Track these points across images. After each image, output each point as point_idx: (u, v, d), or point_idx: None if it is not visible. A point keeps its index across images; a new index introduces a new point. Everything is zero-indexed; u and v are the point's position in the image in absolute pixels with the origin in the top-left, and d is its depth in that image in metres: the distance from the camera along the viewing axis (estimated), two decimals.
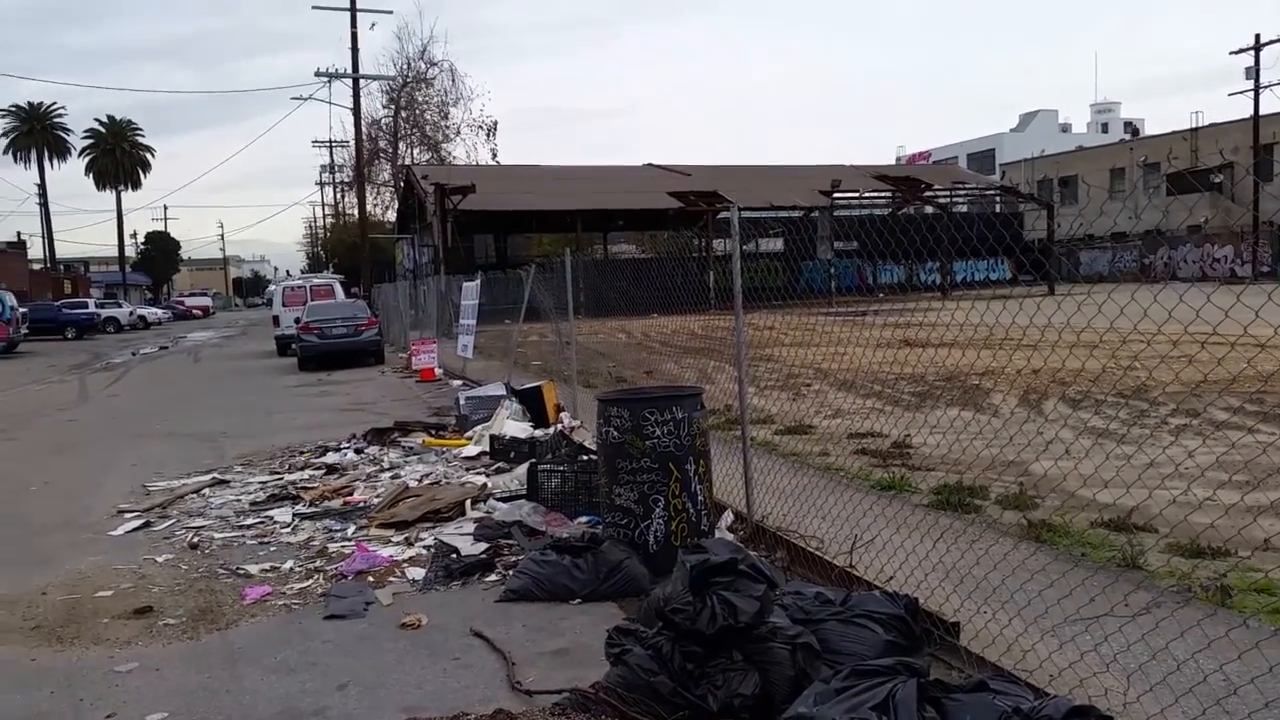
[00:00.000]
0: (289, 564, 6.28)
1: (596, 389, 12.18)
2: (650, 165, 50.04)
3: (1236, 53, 45.32)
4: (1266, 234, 44.41)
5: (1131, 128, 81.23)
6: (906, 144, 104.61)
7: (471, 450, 9.47)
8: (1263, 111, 44.66)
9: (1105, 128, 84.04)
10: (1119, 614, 4.11)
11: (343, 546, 6.58)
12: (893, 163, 71.33)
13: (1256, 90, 44.36)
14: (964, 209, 51.76)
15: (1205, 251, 47.57)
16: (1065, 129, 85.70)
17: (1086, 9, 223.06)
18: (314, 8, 37.30)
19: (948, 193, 50.07)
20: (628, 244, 64.36)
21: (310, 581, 5.90)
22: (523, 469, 7.67)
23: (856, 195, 46.63)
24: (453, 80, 55.23)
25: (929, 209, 48.48)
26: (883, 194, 47.57)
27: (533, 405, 10.41)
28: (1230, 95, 59.63)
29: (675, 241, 50.62)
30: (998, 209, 53.58)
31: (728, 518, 6.37)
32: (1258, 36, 43.98)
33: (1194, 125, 53.88)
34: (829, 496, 6.01)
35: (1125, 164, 57.93)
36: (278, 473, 9.34)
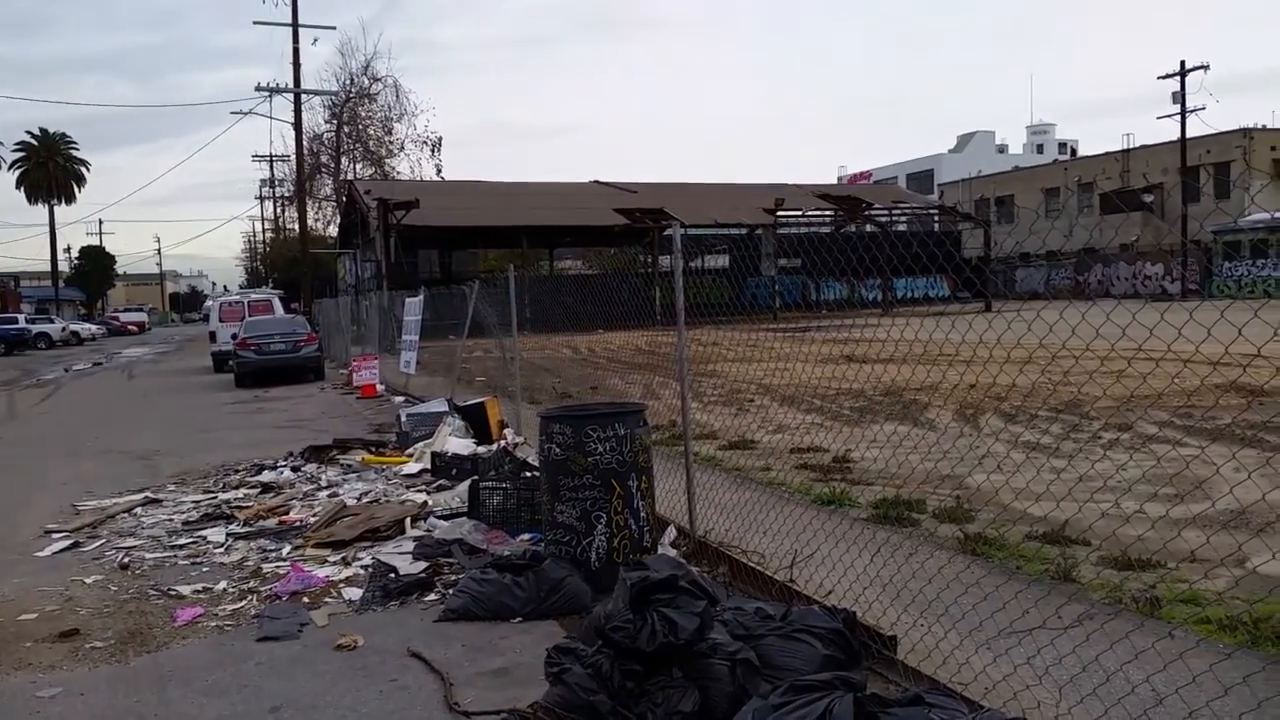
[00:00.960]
0: (222, 585, 6.13)
1: (541, 405, 12.13)
2: (597, 182, 50.15)
3: (1164, 78, 46.90)
4: (1194, 252, 45.89)
5: (1067, 149, 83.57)
6: (848, 164, 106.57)
7: (412, 468, 9.36)
8: (1189, 135, 46.20)
9: (1041, 149, 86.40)
10: (1052, 626, 4.19)
11: (277, 567, 6.45)
12: (835, 182, 72.42)
13: (1183, 114, 45.88)
14: (904, 228, 52.71)
15: (1136, 269, 49.03)
16: (1002, 150, 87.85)
17: (1023, 33, 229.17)
18: (255, 23, 37.28)
19: (888, 212, 50.97)
20: (574, 260, 64.34)
21: (243, 603, 5.76)
22: (464, 486, 7.60)
23: (800, 213, 47.28)
24: (397, 96, 54.95)
25: (870, 227, 49.26)
26: (825, 212, 48.26)
27: (476, 422, 10.32)
28: (1159, 119, 61.65)
29: (621, 258, 50.79)
30: (936, 228, 54.66)
31: (670, 534, 6.37)
32: (1183, 63, 45.55)
33: (1126, 147, 55.64)
34: (771, 512, 6.05)
35: (1060, 184, 59.53)
36: (212, 491, 9.14)
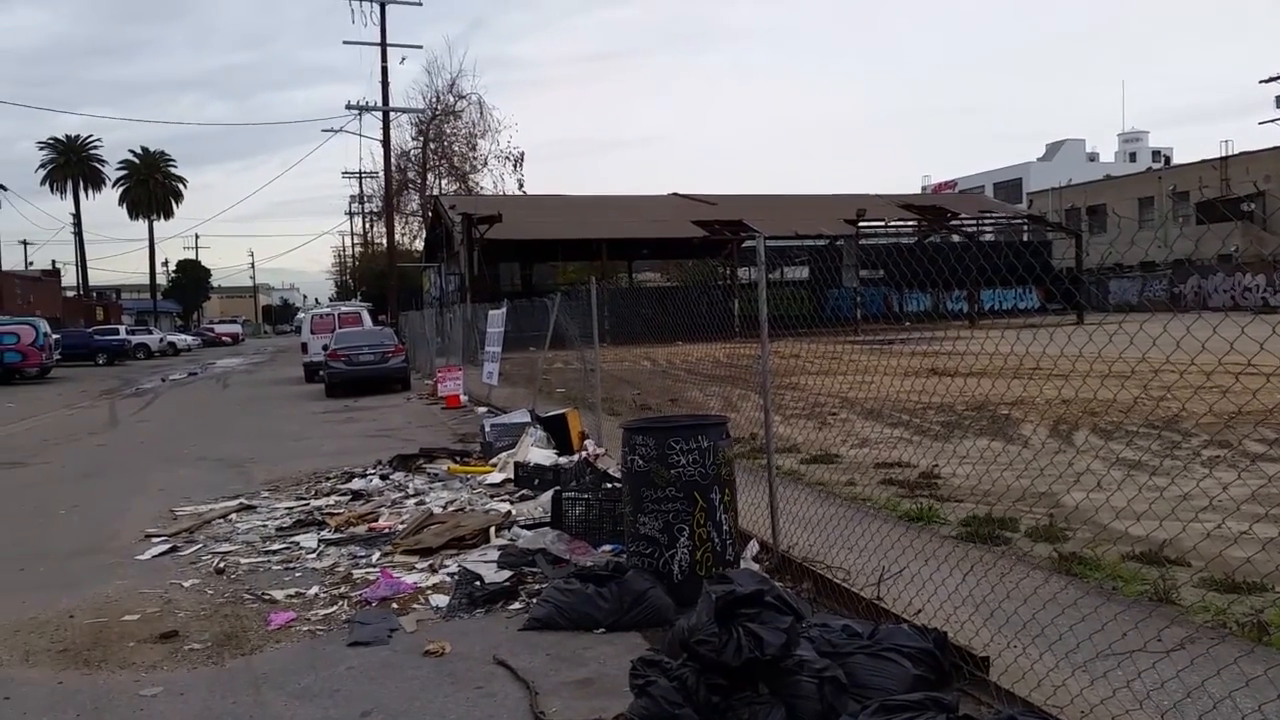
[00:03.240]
0: (314, 590, 6.29)
1: (621, 416, 12.17)
2: (675, 194, 50.29)
3: (1266, 81, 45.26)
4: None
5: (1160, 157, 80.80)
6: (932, 173, 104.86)
7: (496, 477, 9.48)
8: None
9: (1133, 157, 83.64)
10: (1152, 650, 4.03)
11: (367, 573, 6.59)
12: (919, 191, 71.28)
13: None
14: (991, 237, 51.51)
15: (1236, 281, 47.06)
16: (1093, 158, 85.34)
17: (1114, 38, 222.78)
18: (345, 43, 38.18)
19: (974, 221, 49.90)
20: (653, 272, 64.53)
21: (335, 608, 5.90)
22: (547, 496, 7.66)
23: (882, 224, 46.61)
24: (481, 113, 55.85)
25: (955, 237, 48.31)
26: (909, 222, 47.51)
27: (557, 433, 10.41)
28: (1261, 124, 59.48)
29: (700, 270, 50.76)
30: (1025, 237, 53.30)
31: (753, 548, 6.32)
32: None
33: (1224, 154, 53.51)
34: (855, 527, 5.95)
35: (1154, 193, 57.56)
36: (304, 498, 9.39)
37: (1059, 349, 4.10)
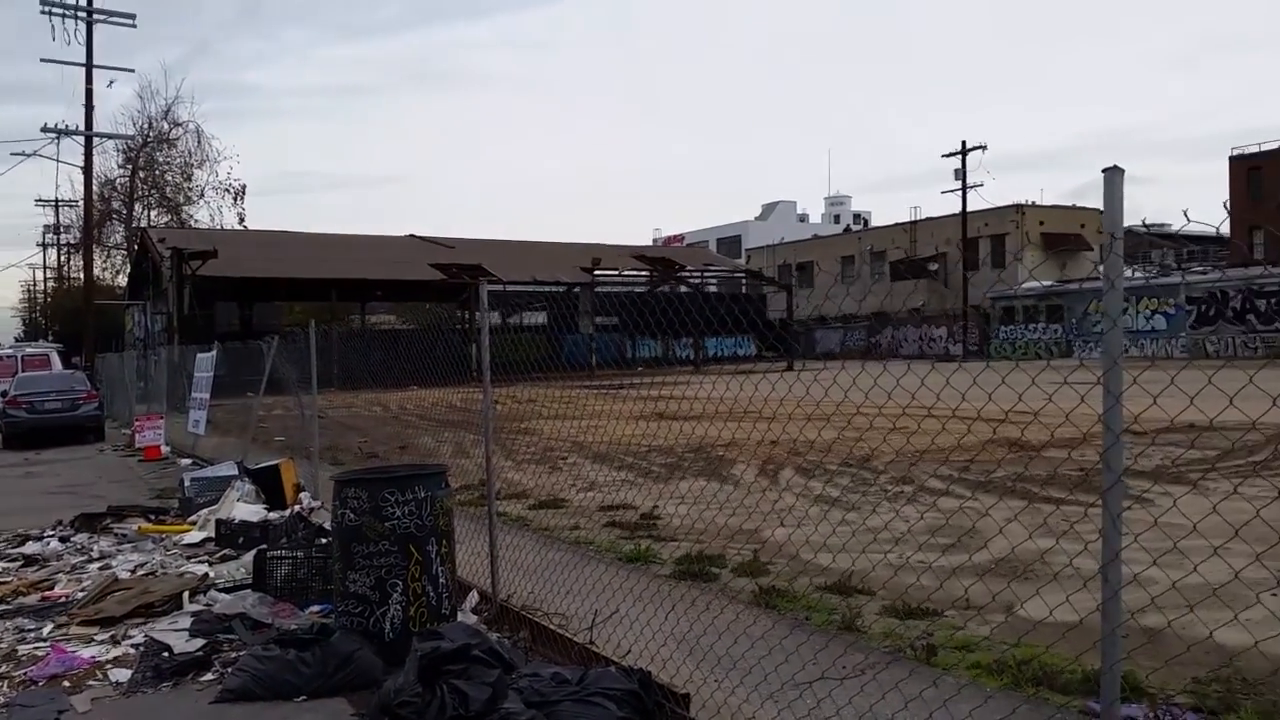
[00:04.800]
0: None
1: (345, 466, 11.69)
2: (413, 236, 49.52)
3: (948, 156, 51.07)
4: (974, 317, 49.80)
5: (860, 219, 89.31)
6: (663, 226, 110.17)
7: (195, 536, 8.75)
8: (970, 209, 50.37)
9: (837, 219, 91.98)
10: (832, 676, 4.34)
11: (36, 648, 5.86)
12: (650, 244, 74.44)
13: (964, 190, 50.05)
14: (714, 289, 54.67)
15: (923, 332, 52.73)
16: (803, 218, 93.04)
17: (823, 108, 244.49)
18: (43, 60, 34.51)
19: (699, 273, 52.75)
20: (389, 315, 62.92)
21: None
22: (251, 556, 7.17)
23: (616, 273, 48.25)
24: (198, 141, 52.68)
25: (683, 288, 50.82)
26: (641, 272, 49.45)
27: (269, 485, 9.80)
28: (943, 193, 67.26)
29: (436, 313, 50.09)
30: (744, 290, 57.00)
31: (472, 599, 6.23)
32: (964, 143, 49.80)
33: (913, 219, 59.95)
34: (575, 572, 6.02)
35: (854, 252, 63.42)
36: None
37: (774, 393, 4.36)
